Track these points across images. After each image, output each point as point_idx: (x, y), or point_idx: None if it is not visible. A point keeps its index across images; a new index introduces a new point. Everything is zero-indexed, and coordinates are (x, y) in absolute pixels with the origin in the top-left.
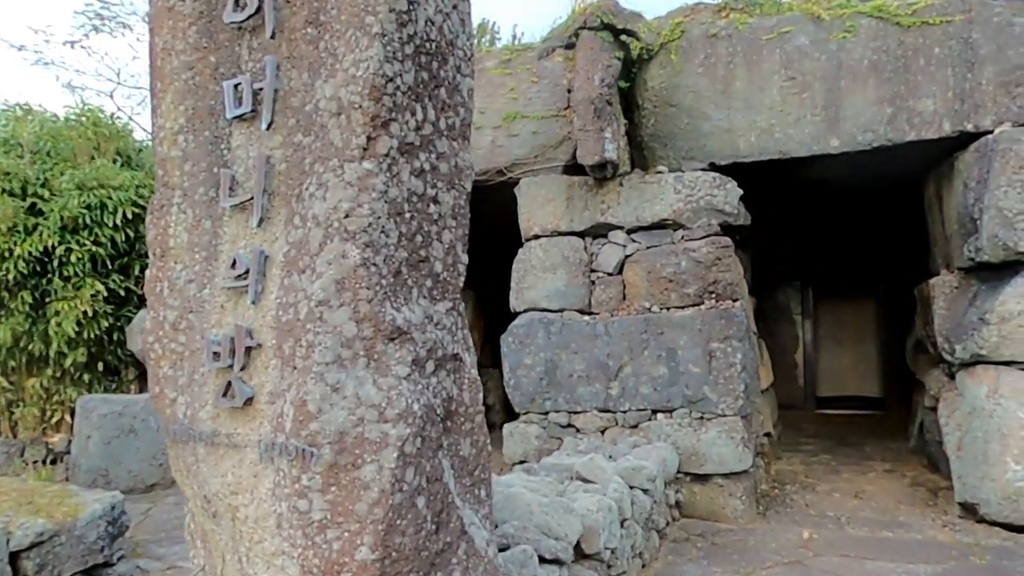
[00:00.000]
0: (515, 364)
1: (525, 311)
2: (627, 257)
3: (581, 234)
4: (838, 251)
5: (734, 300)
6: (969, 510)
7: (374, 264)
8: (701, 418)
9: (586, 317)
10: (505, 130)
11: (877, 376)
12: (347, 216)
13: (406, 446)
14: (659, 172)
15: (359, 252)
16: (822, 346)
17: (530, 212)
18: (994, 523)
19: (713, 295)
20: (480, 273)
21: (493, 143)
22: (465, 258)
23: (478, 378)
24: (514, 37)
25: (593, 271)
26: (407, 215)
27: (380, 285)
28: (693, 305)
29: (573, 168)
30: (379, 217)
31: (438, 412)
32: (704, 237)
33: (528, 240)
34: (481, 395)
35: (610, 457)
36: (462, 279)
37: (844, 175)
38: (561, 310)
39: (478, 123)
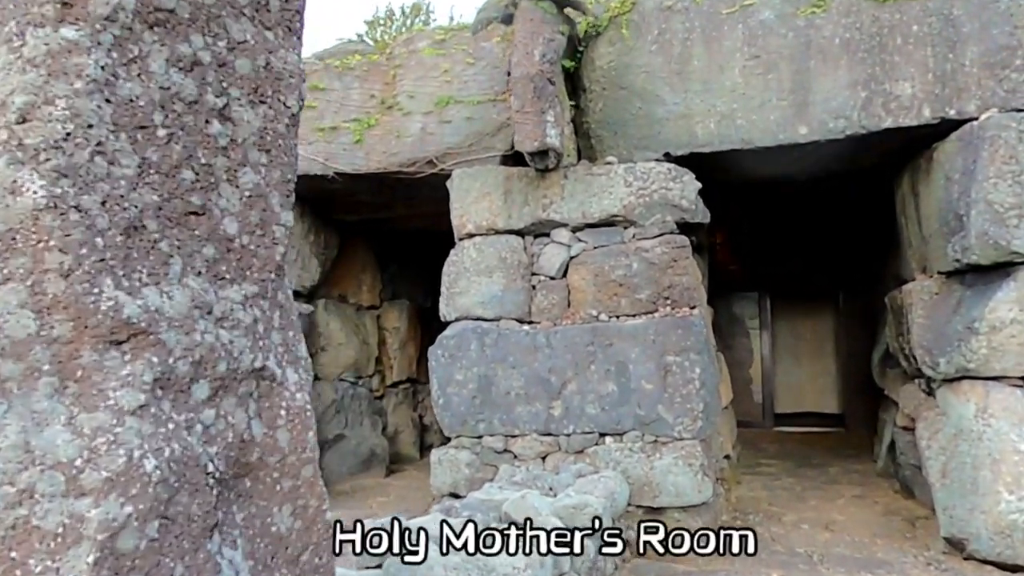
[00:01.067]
0: (444, 380)
1: (456, 320)
2: (572, 258)
3: (520, 232)
4: (796, 256)
5: (692, 307)
6: (956, 546)
7: (78, 208)
8: (655, 442)
9: (526, 326)
10: (437, 116)
11: (836, 391)
12: (24, 120)
13: (121, 538)
14: (608, 163)
15: (45, 185)
16: (779, 359)
17: (463, 208)
18: (985, 561)
19: (668, 301)
20: (417, 278)
21: (423, 130)
22: (288, 218)
23: (308, 406)
24: (451, 19)
25: (534, 274)
26: (161, 132)
27: (92, 247)
28: (646, 313)
29: (512, 158)
30: (92, 126)
31: (212, 467)
32: (658, 236)
33: (461, 239)
34: (313, 433)
35: (550, 489)
36: (282, 250)
37: (809, 169)
38: (497, 319)
39: (407, 108)
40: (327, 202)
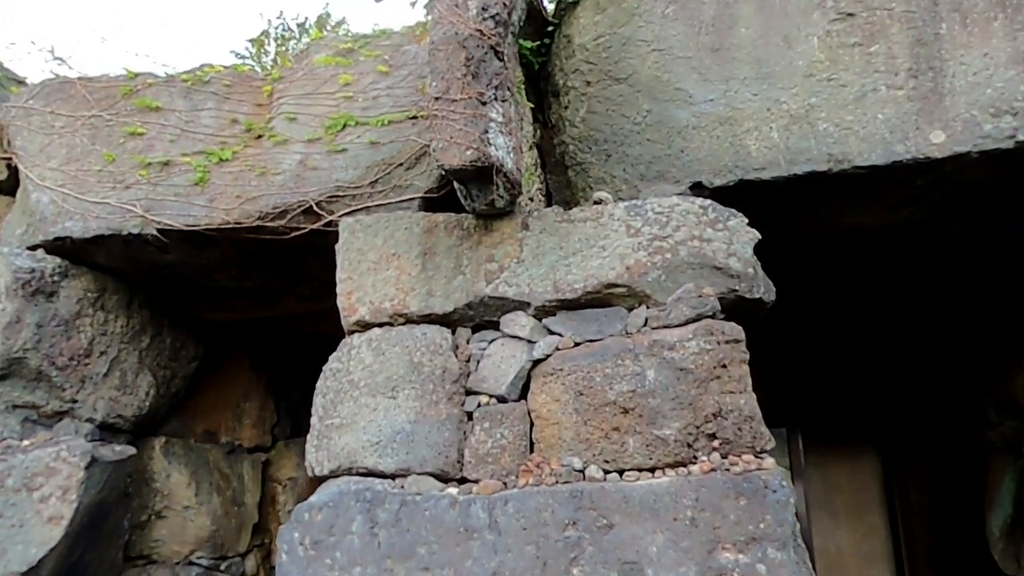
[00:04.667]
0: None
1: (332, 475)
2: (537, 364)
3: (449, 320)
4: (837, 376)
5: (758, 453)
6: None
7: None
8: None
9: (452, 489)
10: (325, 144)
11: (889, 559)
12: None
13: None
14: (597, 203)
15: None
16: (813, 517)
17: (356, 280)
18: None
19: (715, 442)
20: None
21: (302, 164)
22: None
23: None
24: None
25: (471, 393)
26: None
27: None
28: (675, 464)
29: (439, 202)
30: None
31: None
32: (691, 322)
33: (350, 332)
34: None
35: None
36: None
37: (924, 219)
38: (403, 473)
39: (283, 135)
40: (177, 290)
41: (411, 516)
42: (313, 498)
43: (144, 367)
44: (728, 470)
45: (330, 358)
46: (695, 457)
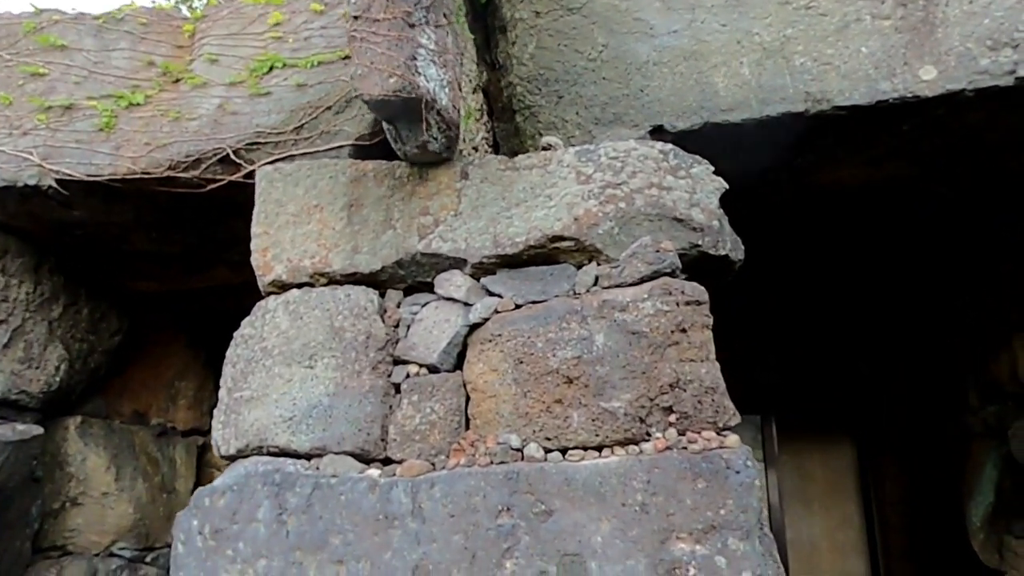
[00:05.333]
0: None
1: (240, 455)
2: (473, 328)
3: (376, 280)
4: (813, 361)
5: (721, 430)
6: None
7: None
8: None
9: (373, 471)
10: (249, 87)
11: (863, 551)
12: None
13: None
14: (545, 149)
15: None
16: (786, 507)
17: (272, 235)
18: None
19: (672, 416)
20: None
21: (221, 108)
22: None
23: None
24: None
25: (398, 362)
26: None
27: None
28: (625, 442)
29: (372, 150)
30: None
31: None
32: (647, 280)
33: (267, 293)
34: None
35: None
36: None
37: (911, 177)
38: (319, 453)
39: (203, 78)
40: (93, 254)
41: (324, 501)
42: (216, 481)
43: (55, 339)
44: (685, 448)
45: (242, 323)
46: (648, 434)
